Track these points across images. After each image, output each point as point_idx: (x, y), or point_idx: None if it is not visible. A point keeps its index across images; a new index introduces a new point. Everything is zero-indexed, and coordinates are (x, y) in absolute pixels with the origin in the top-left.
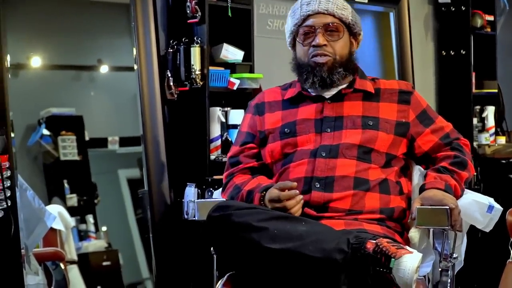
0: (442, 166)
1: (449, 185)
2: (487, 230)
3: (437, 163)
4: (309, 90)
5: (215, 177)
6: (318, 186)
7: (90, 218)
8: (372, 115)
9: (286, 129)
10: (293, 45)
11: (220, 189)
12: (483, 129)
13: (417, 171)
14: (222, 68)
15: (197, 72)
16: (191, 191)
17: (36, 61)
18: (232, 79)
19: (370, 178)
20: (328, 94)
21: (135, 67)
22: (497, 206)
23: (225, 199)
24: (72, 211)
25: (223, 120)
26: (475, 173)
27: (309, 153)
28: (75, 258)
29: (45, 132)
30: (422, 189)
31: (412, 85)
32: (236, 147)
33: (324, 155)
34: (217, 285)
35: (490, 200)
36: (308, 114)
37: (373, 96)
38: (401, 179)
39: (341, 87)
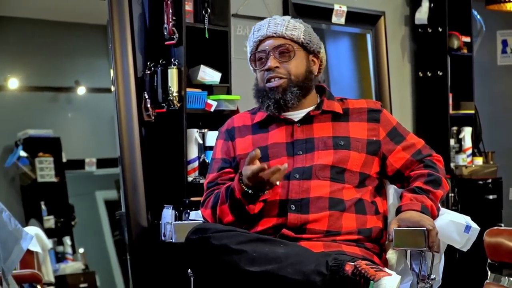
0: (417, 186)
1: (425, 206)
2: (465, 249)
3: (411, 183)
4: (267, 111)
5: (192, 198)
6: (294, 208)
7: (67, 240)
8: (343, 135)
9: None
10: (255, 70)
11: (197, 211)
12: (460, 150)
13: (392, 190)
14: (200, 90)
15: (175, 94)
16: (168, 213)
17: (13, 83)
18: (209, 101)
19: (344, 198)
20: (296, 117)
21: (113, 88)
22: (474, 225)
23: (203, 221)
24: (49, 233)
25: (201, 141)
26: (449, 193)
27: (283, 176)
28: (52, 280)
29: (22, 153)
30: (398, 211)
31: (380, 104)
32: (213, 174)
33: (297, 177)
34: None
35: (467, 219)
36: (279, 138)
37: (342, 116)
38: (376, 199)
39: (309, 109)
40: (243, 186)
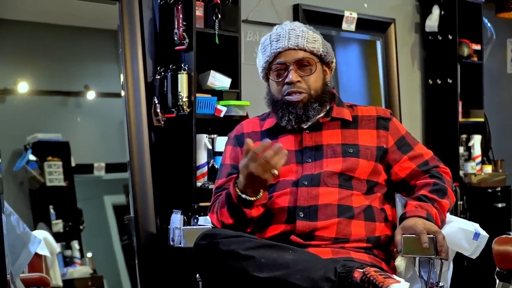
0: (422, 194)
1: (430, 214)
2: (474, 257)
3: (417, 191)
4: (287, 125)
5: (201, 204)
6: (302, 215)
7: (75, 244)
8: (352, 142)
9: None
10: (267, 78)
11: (206, 216)
12: (469, 158)
13: (397, 199)
14: (209, 95)
15: (184, 99)
16: (177, 218)
17: (23, 87)
18: (219, 106)
19: (353, 205)
20: (305, 124)
21: (122, 93)
22: (483, 233)
23: (212, 227)
24: (57, 237)
25: (210, 147)
26: (457, 202)
27: (291, 183)
28: (60, 284)
29: (31, 157)
30: (403, 217)
31: (390, 112)
32: (221, 179)
33: (306, 184)
34: None
35: (475, 227)
36: (288, 145)
37: (351, 123)
38: (385, 206)
39: (318, 116)
40: (237, 190)
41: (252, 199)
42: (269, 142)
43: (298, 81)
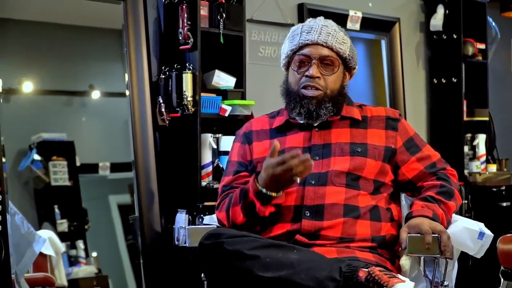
0: (429, 195)
1: (436, 215)
2: (478, 256)
3: (423, 193)
4: (296, 118)
5: (206, 203)
6: (308, 214)
7: (80, 244)
8: (360, 141)
9: None
10: (287, 67)
11: (211, 215)
12: (474, 157)
13: (403, 199)
14: (214, 95)
15: (189, 99)
16: (182, 217)
17: (27, 86)
18: (223, 106)
19: (360, 205)
20: (315, 122)
21: (127, 93)
22: (488, 232)
23: (217, 226)
24: (62, 236)
25: (215, 146)
26: (462, 202)
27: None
28: (65, 283)
29: (36, 157)
30: (409, 217)
31: (399, 113)
32: (228, 177)
33: (313, 183)
34: None
35: (480, 226)
36: (296, 142)
37: (361, 123)
38: (391, 206)
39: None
40: (258, 185)
41: (273, 194)
42: (298, 153)
43: (318, 77)
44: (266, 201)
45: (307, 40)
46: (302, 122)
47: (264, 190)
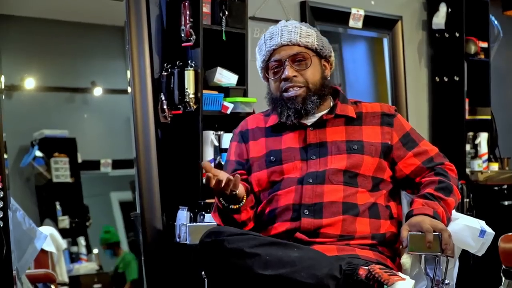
0: (428, 192)
1: (437, 213)
2: (480, 254)
3: (422, 189)
4: (287, 121)
5: (207, 200)
6: (307, 213)
7: (81, 240)
8: (356, 139)
9: (272, 157)
10: (266, 78)
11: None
12: (476, 155)
13: (403, 196)
14: (216, 92)
15: (191, 96)
16: (183, 215)
17: (30, 83)
18: (225, 103)
19: (358, 202)
20: (309, 121)
21: (129, 90)
22: (489, 230)
23: (217, 224)
24: (63, 233)
25: (216, 143)
26: (463, 200)
27: (296, 180)
28: (66, 280)
29: (38, 153)
30: (409, 215)
31: (395, 108)
32: None
33: (311, 181)
34: None
35: (481, 224)
36: (292, 142)
37: (356, 120)
38: (390, 203)
39: (322, 113)
40: (221, 200)
41: (235, 207)
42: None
43: (295, 76)
44: (235, 212)
45: (272, 46)
46: (294, 122)
47: (225, 205)
